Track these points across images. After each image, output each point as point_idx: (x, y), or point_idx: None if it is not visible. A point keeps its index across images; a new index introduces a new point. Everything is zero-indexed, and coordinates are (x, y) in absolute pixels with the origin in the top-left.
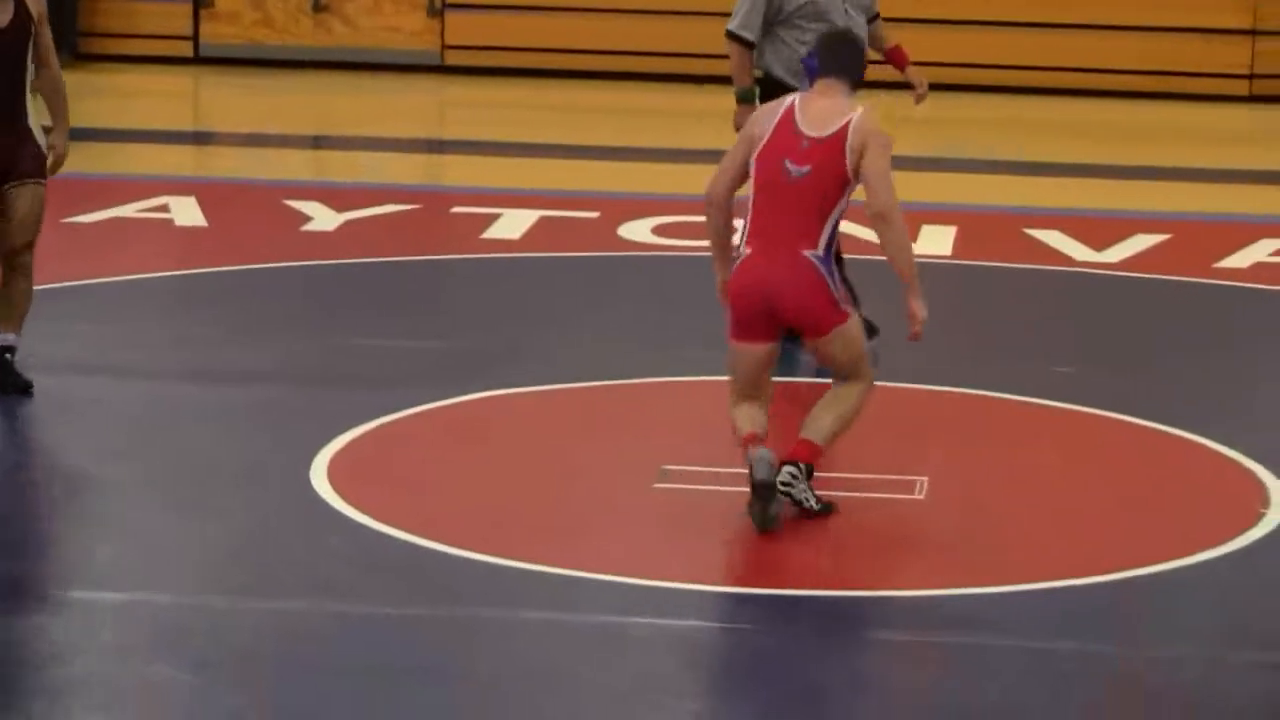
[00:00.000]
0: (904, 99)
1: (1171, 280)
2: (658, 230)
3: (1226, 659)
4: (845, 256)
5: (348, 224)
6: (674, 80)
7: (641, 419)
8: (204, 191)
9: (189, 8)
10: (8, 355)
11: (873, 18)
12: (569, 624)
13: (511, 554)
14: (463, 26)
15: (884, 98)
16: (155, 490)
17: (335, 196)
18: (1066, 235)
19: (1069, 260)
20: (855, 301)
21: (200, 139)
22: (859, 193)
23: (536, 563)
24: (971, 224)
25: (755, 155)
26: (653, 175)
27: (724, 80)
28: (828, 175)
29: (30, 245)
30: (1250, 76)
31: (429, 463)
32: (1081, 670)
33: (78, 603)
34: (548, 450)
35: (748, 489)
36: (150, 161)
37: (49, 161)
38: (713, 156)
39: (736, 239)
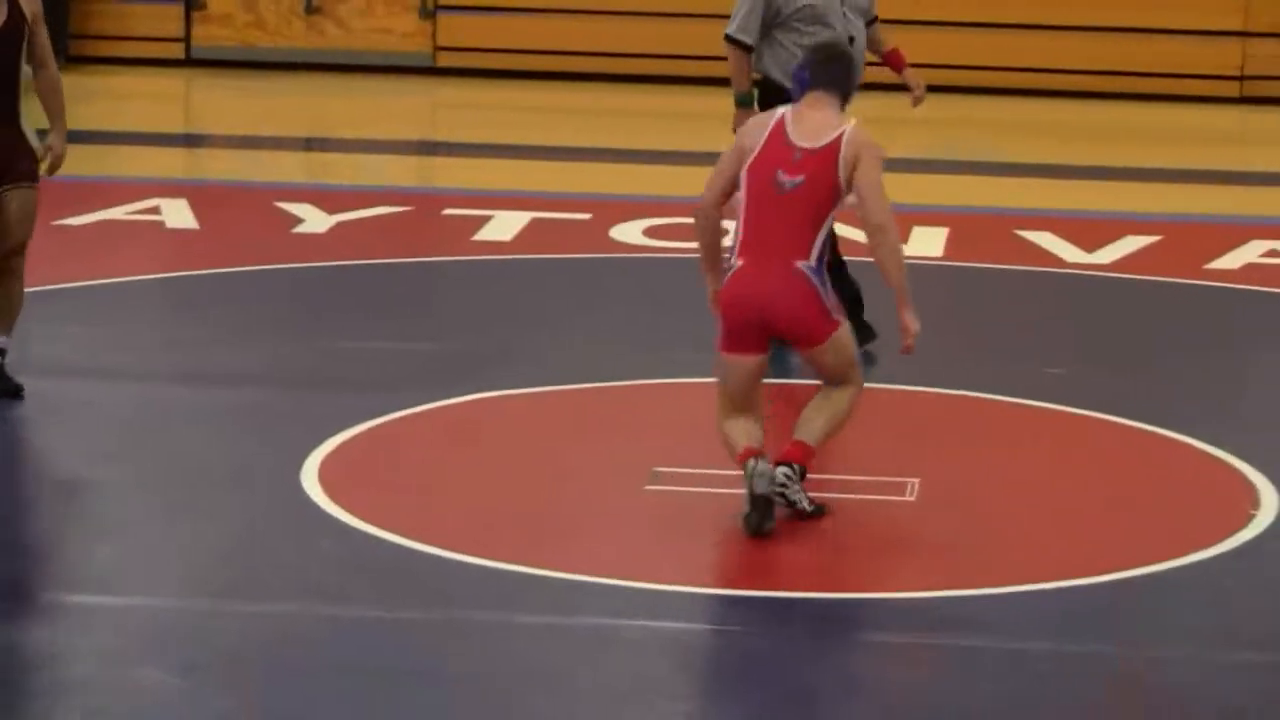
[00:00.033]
0: (901, 100)
1: (1163, 281)
2: (649, 232)
3: (1220, 659)
4: (845, 258)
5: (339, 226)
6: (666, 82)
7: (633, 421)
8: (195, 194)
9: (180, 10)
10: None
11: (871, 20)
12: (561, 626)
13: (502, 556)
14: (455, 28)
15: (881, 99)
16: (146, 493)
17: (327, 199)
18: (1058, 237)
19: (1060, 262)
20: (859, 304)
21: (192, 141)
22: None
23: (528, 565)
24: (962, 226)
25: (746, 167)
26: (645, 177)
27: (718, 82)
28: (820, 186)
29: (22, 248)
30: (1241, 78)
31: (420, 465)
32: (1074, 671)
33: (66, 606)
34: (539, 452)
35: (740, 491)
36: (142, 164)
37: (48, 162)
38: (705, 159)
39: (727, 242)
